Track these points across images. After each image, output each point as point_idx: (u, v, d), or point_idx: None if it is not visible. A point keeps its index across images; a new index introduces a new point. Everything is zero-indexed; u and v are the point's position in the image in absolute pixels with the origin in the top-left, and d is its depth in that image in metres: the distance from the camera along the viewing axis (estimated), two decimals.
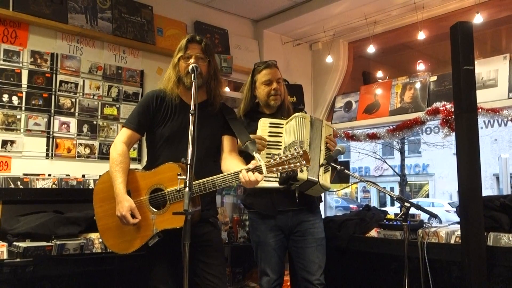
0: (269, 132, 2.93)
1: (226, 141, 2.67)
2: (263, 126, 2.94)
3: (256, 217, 3.08)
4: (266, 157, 2.79)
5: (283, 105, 3.14)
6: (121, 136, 2.58)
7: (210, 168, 2.49)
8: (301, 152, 2.23)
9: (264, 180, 2.77)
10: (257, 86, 3.11)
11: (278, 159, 2.25)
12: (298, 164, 2.23)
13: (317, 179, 2.81)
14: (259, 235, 3.05)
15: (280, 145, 2.91)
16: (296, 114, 2.94)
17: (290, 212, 3.00)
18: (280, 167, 2.25)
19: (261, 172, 2.27)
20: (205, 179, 2.34)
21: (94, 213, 2.56)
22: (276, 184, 2.77)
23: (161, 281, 2.50)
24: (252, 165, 2.29)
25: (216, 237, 2.65)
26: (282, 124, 2.96)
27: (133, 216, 2.36)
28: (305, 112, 3.05)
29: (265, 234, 3.02)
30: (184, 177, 2.11)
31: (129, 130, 2.58)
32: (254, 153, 2.45)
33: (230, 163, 2.55)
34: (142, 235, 2.41)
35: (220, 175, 2.36)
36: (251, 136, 2.74)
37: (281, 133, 2.94)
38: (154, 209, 2.41)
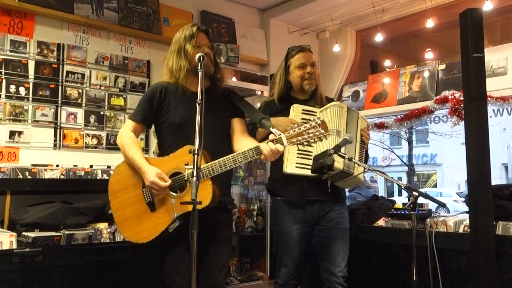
0: (302, 118, 2.85)
1: (236, 123, 2.68)
2: (296, 112, 2.88)
3: (281, 206, 2.98)
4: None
5: (316, 92, 3.07)
6: (126, 126, 2.60)
7: (224, 151, 2.48)
8: (319, 121, 2.24)
9: (296, 167, 2.76)
10: (291, 70, 3.05)
11: (297, 129, 2.28)
12: (317, 133, 2.25)
13: (352, 170, 2.74)
14: (282, 226, 2.96)
15: None
16: (333, 103, 2.90)
17: (318, 203, 2.93)
18: (300, 137, 2.27)
19: (282, 144, 2.29)
20: (225, 157, 2.34)
21: (110, 206, 2.54)
22: (308, 172, 2.70)
23: (174, 271, 2.49)
24: (272, 137, 2.31)
25: (228, 228, 2.67)
26: (316, 112, 2.90)
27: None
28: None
29: (289, 225, 2.93)
30: (192, 166, 2.10)
31: (134, 122, 2.59)
32: (271, 128, 2.41)
33: (244, 142, 2.55)
34: (163, 220, 2.40)
35: (239, 151, 2.36)
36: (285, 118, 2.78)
37: None
38: (173, 193, 2.40)
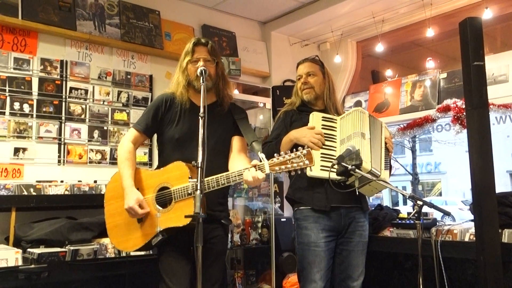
0: (322, 125, 2.82)
1: (235, 141, 2.67)
2: (316, 119, 2.83)
3: (306, 215, 2.84)
4: (322, 148, 2.75)
5: (328, 103, 3.01)
6: (128, 135, 2.62)
7: (220, 168, 2.47)
8: (304, 151, 2.22)
9: (321, 170, 2.70)
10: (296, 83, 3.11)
11: (281, 158, 2.25)
12: (301, 163, 2.22)
13: (379, 172, 2.71)
14: (309, 234, 2.81)
15: (335, 138, 2.82)
16: (354, 108, 2.88)
17: (343, 210, 2.82)
18: (283, 166, 2.24)
19: (263, 171, 2.28)
20: (209, 178, 2.33)
21: (104, 211, 2.58)
22: (333, 175, 2.60)
23: (175, 283, 2.45)
24: (255, 163, 2.30)
25: (222, 244, 2.63)
26: (336, 120, 2.87)
27: (142, 208, 2.39)
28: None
29: (316, 233, 2.79)
30: (195, 180, 2.10)
31: (136, 131, 2.61)
32: (259, 153, 2.41)
33: (237, 162, 2.54)
34: (147, 232, 2.43)
35: (224, 173, 2.36)
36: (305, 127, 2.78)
37: (335, 127, 2.85)
38: (159, 207, 2.42)
